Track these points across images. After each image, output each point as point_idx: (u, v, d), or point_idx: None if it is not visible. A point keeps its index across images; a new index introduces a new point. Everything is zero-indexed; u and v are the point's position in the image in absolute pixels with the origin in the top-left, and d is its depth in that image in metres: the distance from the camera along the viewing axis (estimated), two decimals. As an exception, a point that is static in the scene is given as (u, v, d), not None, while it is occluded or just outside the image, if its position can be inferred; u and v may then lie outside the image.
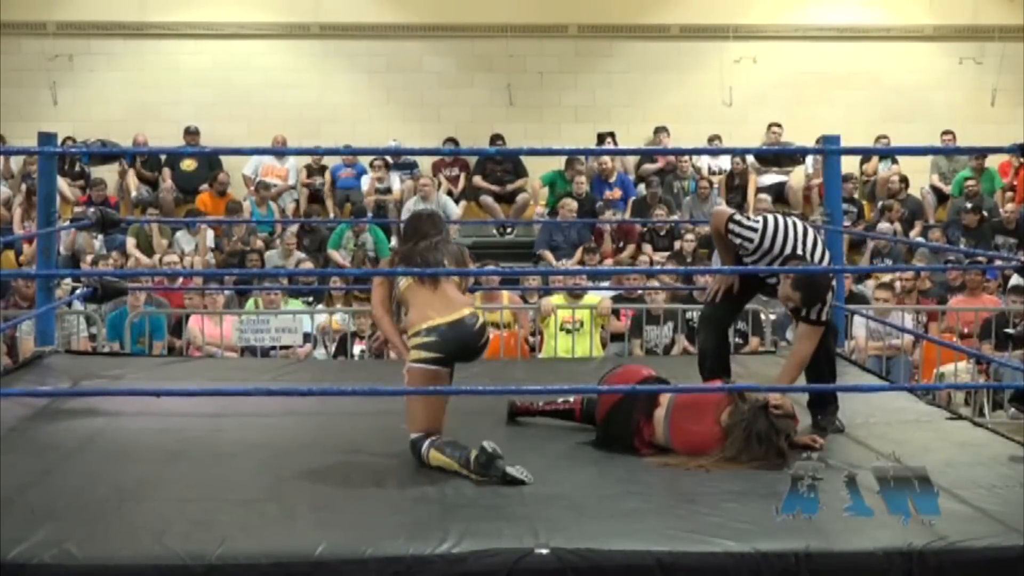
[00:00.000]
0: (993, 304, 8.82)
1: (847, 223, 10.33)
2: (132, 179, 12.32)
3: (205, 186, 12.19)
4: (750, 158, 12.13)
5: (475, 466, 3.97)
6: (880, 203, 11.94)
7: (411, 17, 13.01)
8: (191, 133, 12.47)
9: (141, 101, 12.75)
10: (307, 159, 12.59)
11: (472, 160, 12.67)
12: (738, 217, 4.83)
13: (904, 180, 12.17)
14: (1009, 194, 11.97)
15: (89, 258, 10.02)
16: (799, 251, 4.65)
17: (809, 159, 12.32)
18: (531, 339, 8.41)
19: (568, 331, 8.14)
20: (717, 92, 12.97)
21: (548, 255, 11.01)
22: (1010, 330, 8.03)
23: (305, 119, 12.67)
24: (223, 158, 12.39)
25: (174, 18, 12.82)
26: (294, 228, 10.94)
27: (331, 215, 12.04)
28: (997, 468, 4.24)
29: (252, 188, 12.01)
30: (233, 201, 11.69)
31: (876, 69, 13.16)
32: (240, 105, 12.77)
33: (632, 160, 12.82)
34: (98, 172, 11.88)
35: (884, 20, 13.28)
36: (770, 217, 4.81)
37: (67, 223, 8.69)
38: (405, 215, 10.56)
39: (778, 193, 12.19)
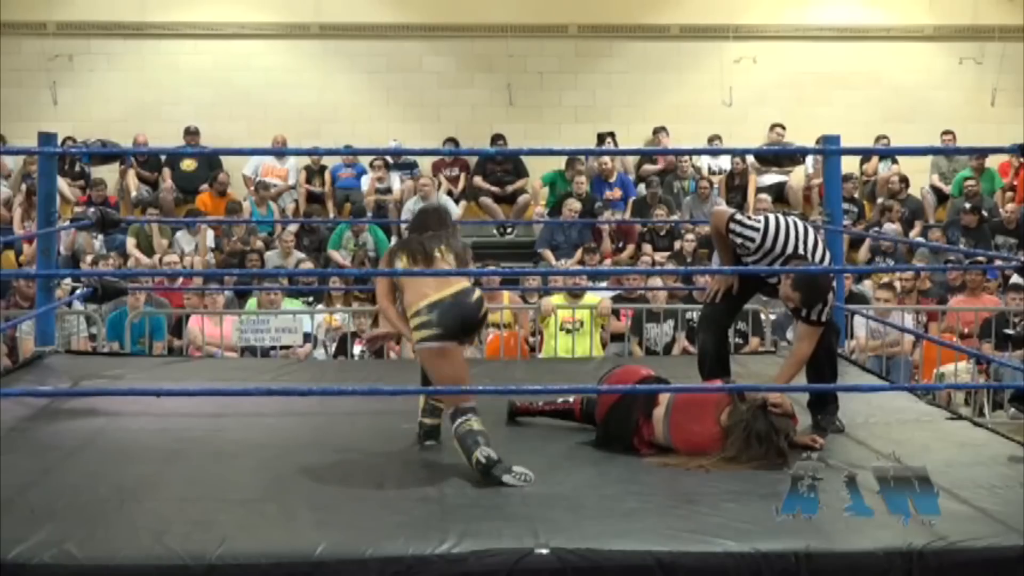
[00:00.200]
0: (993, 304, 8.82)
1: (847, 223, 10.33)
2: (132, 179, 12.32)
3: (205, 186, 12.19)
4: (750, 158, 12.13)
5: (475, 468, 4.00)
6: (880, 203, 11.94)
7: (411, 17, 13.00)
8: (191, 133, 12.47)
9: (141, 101, 12.75)
10: (307, 159, 12.59)
11: (472, 160, 12.67)
12: (739, 217, 4.83)
13: (904, 180, 12.17)
14: (1009, 194, 11.97)
15: (89, 258, 10.01)
16: (800, 251, 4.66)
17: (809, 159, 12.32)
18: (531, 339, 8.41)
19: (568, 331, 8.15)
20: (717, 92, 12.97)
21: (548, 254, 11.01)
22: (1009, 331, 8.03)
23: (305, 119, 12.67)
24: (223, 158, 12.39)
25: (174, 18, 12.82)
26: (292, 228, 10.94)
27: (331, 215, 12.04)
28: (997, 468, 4.24)
29: (252, 188, 12.01)
30: (233, 201, 11.69)
31: (876, 69, 13.16)
32: (240, 105, 12.77)
33: (632, 160, 12.82)
34: (98, 172, 11.87)
35: (884, 20, 13.28)
36: (771, 217, 4.82)
37: (67, 223, 8.69)
38: (406, 215, 10.60)
39: (778, 193, 12.19)
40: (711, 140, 12.56)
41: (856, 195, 12.13)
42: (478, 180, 12.40)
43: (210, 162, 12.36)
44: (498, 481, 3.95)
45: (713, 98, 12.96)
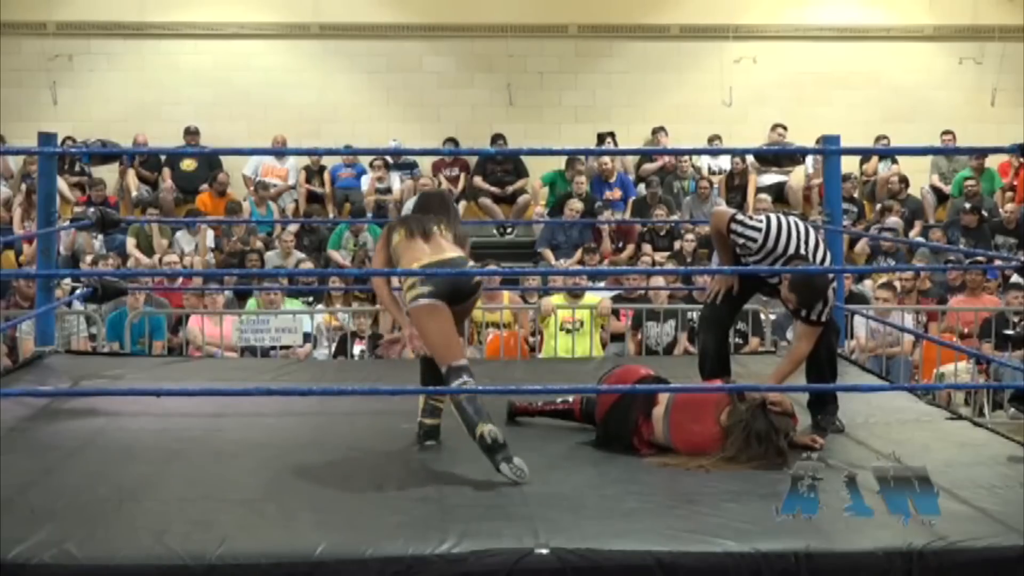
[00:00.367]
0: (993, 304, 8.81)
1: (847, 223, 10.33)
2: (132, 179, 12.32)
3: (205, 186, 12.19)
4: (750, 158, 12.13)
5: (477, 441, 4.02)
6: (880, 203, 11.94)
7: (411, 17, 13.00)
8: (191, 133, 12.47)
9: (141, 101, 12.75)
10: (307, 159, 12.59)
11: (472, 160, 12.67)
12: (740, 217, 4.82)
13: (904, 180, 12.17)
14: (1009, 194, 11.97)
15: (89, 258, 10.01)
16: (802, 251, 4.65)
17: (809, 159, 12.32)
18: (531, 339, 8.41)
19: (568, 331, 8.14)
20: (717, 92, 12.97)
21: (548, 254, 11.01)
22: (1009, 331, 8.03)
23: (305, 119, 12.67)
24: (223, 158, 12.39)
25: (174, 18, 12.82)
26: (292, 228, 10.94)
27: (331, 215, 12.04)
28: (997, 468, 4.24)
29: (252, 188, 12.01)
30: (233, 201, 11.69)
31: (876, 69, 13.16)
32: (240, 105, 12.77)
33: (632, 160, 12.82)
34: (98, 172, 11.87)
35: (884, 20, 13.28)
36: (772, 217, 4.82)
37: (67, 223, 8.69)
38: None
39: (778, 193, 12.19)
40: (711, 140, 12.56)
41: (855, 195, 12.13)
42: (478, 180, 12.40)
43: (210, 162, 12.36)
44: (494, 465, 3.96)
45: (713, 98, 12.96)
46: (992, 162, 12.28)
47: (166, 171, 12.47)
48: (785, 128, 12.42)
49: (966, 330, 8.50)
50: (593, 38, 13.21)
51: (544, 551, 3.27)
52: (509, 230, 12.19)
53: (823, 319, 4.66)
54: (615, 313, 8.54)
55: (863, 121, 12.53)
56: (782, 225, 4.70)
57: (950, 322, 8.75)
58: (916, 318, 8.79)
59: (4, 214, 11.46)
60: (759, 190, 12.14)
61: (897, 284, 9.20)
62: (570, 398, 4.85)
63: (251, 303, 8.82)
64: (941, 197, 12.39)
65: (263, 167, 12.35)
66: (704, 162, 12.68)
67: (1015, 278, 8.99)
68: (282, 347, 8.12)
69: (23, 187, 11.51)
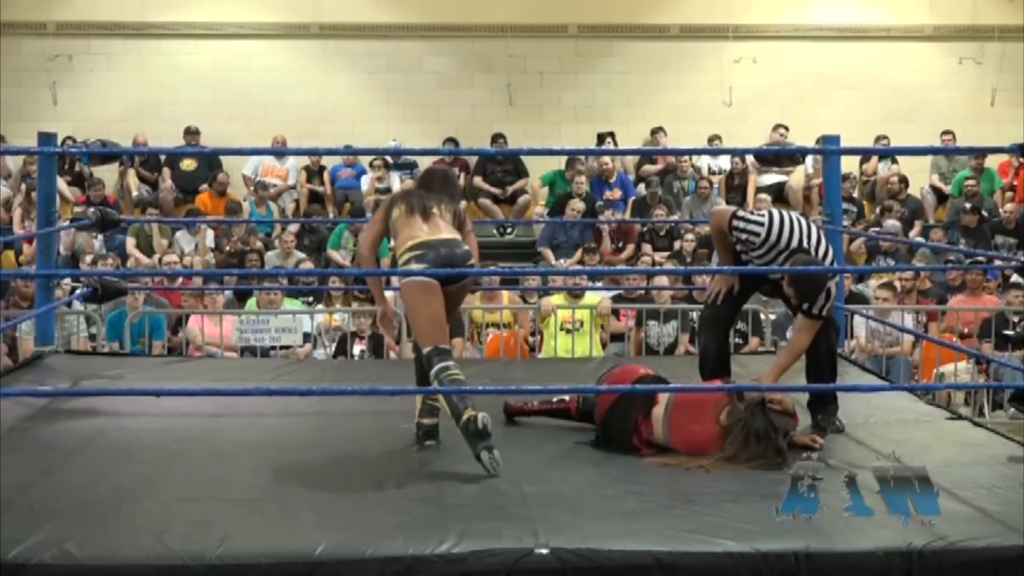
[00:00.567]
0: (993, 304, 8.82)
1: (847, 223, 10.33)
2: (132, 179, 12.32)
3: (205, 186, 12.19)
4: (750, 158, 12.13)
5: (461, 428, 4.06)
6: (880, 203, 11.94)
7: (411, 17, 13.01)
8: (191, 133, 12.47)
9: (141, 101, 12.75)
10: (307, 159, 12.59)
11: (472, 160, 12.67)
12: (742, 213, 4.84)
13: (904, 180, 12.17)
14: (1009, 194, 11.98)
15: (89, 258, 10.01)
16: (804, 244, 4.66)
17: (809, 159, 12.33)
18: (531, 339, 8.41)
19: (568, 331, 8.14)
20: (717, 92, 12.96)
21: (548, 254, 11.01)
22: (1009, 331, 8.03)
23: (305, 119, 12.67)
24: (223, 158, 12.39)
25: (174, 18, 12.82)
26: (292, 228, 10.94)
27: (331, 215, 12.04)
28: (997, 468, 4.24)
29: (252, 188, 12.01)
30: (233, 201, 11.69)
31: (876, 69, 13.16)
32: (240, 105, 12.77)
33: (632, 160, 12.82)
34: (98, 172, 11.87)
35: (884, 20, 13.28)
36: (774, 211, 4.84)
37: (67, 223, 8.70)
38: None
39: (778, 193, 12.19)
40: (711, 140, 12.56)
41: (855, 195, 12.13)
42: (478, 180, 12.40)
43: (210, 162, 12.36)
44: (475, 452, 4.01)
45: (713, 98, 12.96)
46: (992, 162, 12.28)
47: (166, 171, 12.47)
48: (787, 128, 12.42)
49: (966, 330, 8.50)
50: (593, 38, 13.21)
51: (544, 551, 3.27)
52: (509, 230, 12.19)
53: (824, 313, 4.67)
54: (615, 313, 8.54)
55: (863, 121, 12.53)
56: (784, 219, 4.71)
57: (950, 322, 8.76)
58: (916, 318, 8.79)
59: (4, 214, 11.46)
60: (759, 190, 12.14)
61: (897, 284, 9.21)
62: (566, 397, 4.85)
63: (251, 303, 8.82)
64: (941, 197, 12.39)
65: (263, 167, 12.35)
66: (704, 162, 12.68)
67: (1015, 278, 9.00)
68: (282, 347, 8.12)
69: (23, 187, 11.51)
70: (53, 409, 5.07)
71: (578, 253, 10.76)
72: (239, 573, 3.21)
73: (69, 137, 11.07)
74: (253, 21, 12.94)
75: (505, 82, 13.05)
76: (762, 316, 8.02)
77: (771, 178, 12.31)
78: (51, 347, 6.34)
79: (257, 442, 4.58)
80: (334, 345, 8.38)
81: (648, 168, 12.56)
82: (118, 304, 8.13)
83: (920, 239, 11.01)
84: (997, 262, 9.43)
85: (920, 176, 12.53)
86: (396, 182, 12.20)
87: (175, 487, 3.96)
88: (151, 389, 5.07)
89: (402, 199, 4.52)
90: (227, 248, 10.61)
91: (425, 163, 12.54)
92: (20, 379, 5.72)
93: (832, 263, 4.81)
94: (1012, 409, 7.57)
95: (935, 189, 12.44)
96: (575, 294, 8.49)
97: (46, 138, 6.18)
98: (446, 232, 4.39)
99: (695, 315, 7.74)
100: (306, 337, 8.32)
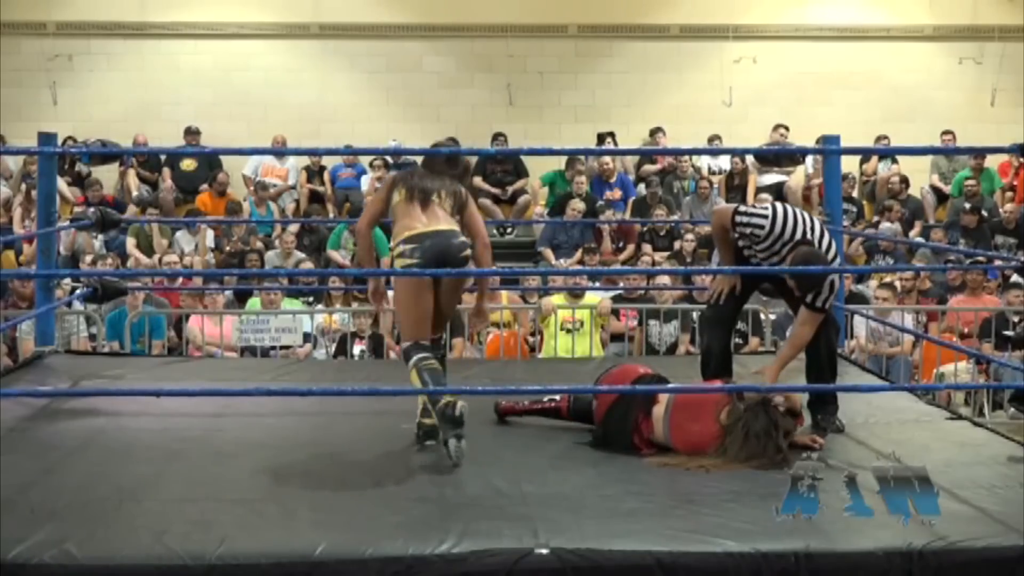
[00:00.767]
0: (993, 304, 8.82)
1: (847, 223, 10.33)
2: (132, 179, 12.32)
3: (205, 186, 12.19)
4: (750, 158, 12.13)
5: (437, 412, 4.12)
6: (880, 203, 11.94)
7: (411, 17, 13.01)
8: (191, 133, 12.47)
9: (141, 101, 12.75)
10: (307, 159, 12.59)
11: (472, 160, 12.64)
12: (744, 208, 4.85)
13: (904, 180, 12.17)
14: (1009, 194, 11.98)
15: (89, 258, 10.01)
16: (808, 236, 4.67)
17: (809, 159, 12.32)
18: (531, 339, 8.41)
19: (568, 331, 8.14)
20: (717, 92, 12.97)
21: (548, 253, 11.01)
22: (1009, 331, 8.03)
23: (305, 119, 12.67)
24: (223, 158, 12.38)
25: (174, 18, 12.82)
26: (292, 228, 10.94)
27: (331, 215, 12.03)
28: (997, 468, 4.24)
29: (252, 188, 12.01)
30: (233, 201, 11.69)
31: (876, 69, 13.16)
32: (240, 105, 12.77)
33: (632, 160, 12.82)
34: (98, 172, 11.88)
35: (884, 20, 13.29)
36: (778, 204, 4.85)
37: (67, 223, 8.69)
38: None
39: (778, 193, 12.16)
40: (711, 140, 12.56)
41: (854, 194, 12.13)
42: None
43: (210, 162, 12.36)
44: (444, 436, 4.09)
45: (713, 98, 12.96)
46: (992, 162, 12.28)
47: (166, 171, 12.47)
48: (787, 128, 12.41)
49: (966, 330, 8.51)
50: (593, 38, 13.21)
51: (544, 551, 3.27)
52: (509, 230, 12.19)
53: (826, 306, 4.67)
54: (615, 313, 8.54)
55: (863, 121, 12.53)
56: (788, 211, 4.73)
57: (950, 322, 8.76)
58: (916, 318, 8.79)
59: (4, 214, 11.46)
60: (759, 190, 12.13)
61: (897, 284, 9.21)
62: (556, 397, 4.85)
63: (253, 303, 8.81)
64: (941, 197, 12.39)
65: (263, 167, 12.34)
66: (704, 162, 12.68)
67: (1015, 278, 9.00)
68: (282, 347, 8.12)
69: (23, 187, 11.51)
70: (53, 409, 5.07)
71: (578, 253, 10.76)
72: (239, 573, 3.22)
73: (69, 137, 11.06)
74: (253, 21, 12.94)
75: (505, 82, 13.05)
76: (762, 316, 8.02)
77: (771, 178, 12.30)
78: (51, 347, 6.34)
79: (257, 442, 4.58)
80: (334, 345, 8.38)
81: (648, 168, 12.56)
82: (118, 304, 8.13)
83: (920, 239, 11.01)
84: (997, 262, 9.43)
85: (920, 176, 12.53)
86: (396, 182, 12.18)
87: (175, 487, 3.96)
88: (151, 389, 5.07)
89: (404, 183, 4.50)
90: (227, 248, 10.61)
91: (425, 163, 12.58)
92: (20, 379, 5.72)
93: (835, 256, 4.81)
94: (1012, 409, 7.57)
95: (935, 189, 12.44)
96: (575, 294, 8.48)
97: (46, 138, 6.18)
98: (444, 222, 4.39)
99: (696, 315, 7.75)
100: (306, 337, 8.32)
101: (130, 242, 10.83)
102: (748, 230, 4.74)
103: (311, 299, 9.41)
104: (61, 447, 4.47)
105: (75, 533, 3.37)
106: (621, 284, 9.03)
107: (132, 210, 11.49)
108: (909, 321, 8.48)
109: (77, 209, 11.21)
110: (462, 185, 4.61)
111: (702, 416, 4.33)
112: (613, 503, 3.76)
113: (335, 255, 10.76)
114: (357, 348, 8.13)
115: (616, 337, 8.51)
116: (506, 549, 3.28)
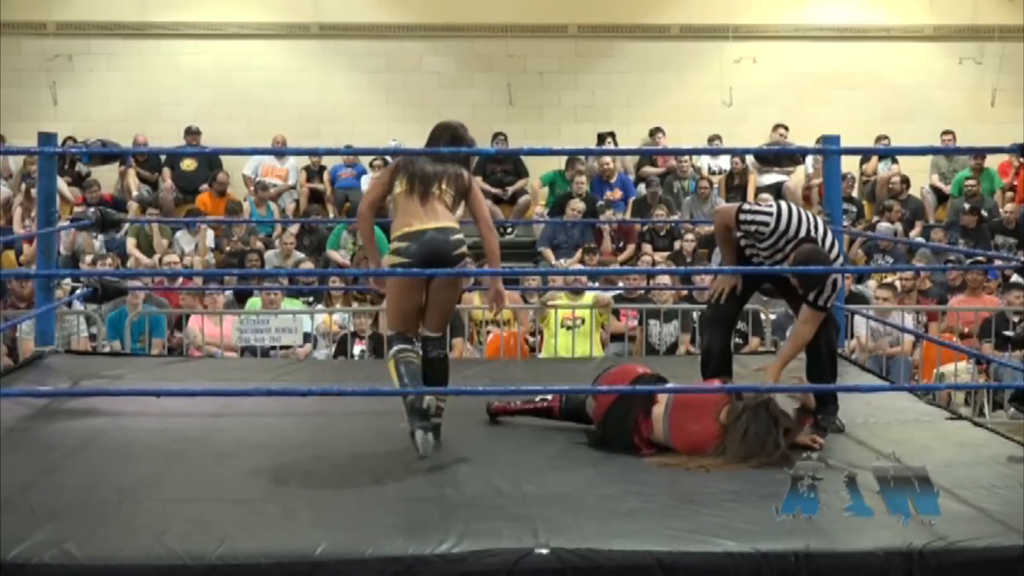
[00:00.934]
0: (993, 304, 8.82)
1: (847, 223, 10.33)
2: (132, 179, 12.31)
3: (205, 186, 12.19)
4: (750, 158, 12.12)
5: (406, 406, 4.19)
6: (880, 203, 11.94)
7: (411, 17, 13.01)
8: (191, 133, 12.47)
9: (141, 101, 12.75)
10: (307, 159, 12.59)
11: (472, 160, 12.63)
12: (747, 206, 4.86)
13: (904, 180, 12.17)
14: (1009, 194, 11.98)
15: (89, 258, 10.01)
16: (812, 234, 4.67)
17: (809, 159, 12.32)
18: (531, 339, 8.40)
19: (569, 328, 8.13)
20: (717, 92, 12.96)
21: (548, 254, 11.01)
22: (1009, 331, 8.03)
23: (305, 119, 12.67)
24: (223, 158, 12.39)
25: (174, 18, 12.82)
26: (292, 228, 10.94)
27: (331, 215, 12.03)
28: (997, 468, 4.24)
29: (252, 188, 12.01)
30: (233, 201, 11.69)
31: (876, 69, 13.16)
32: (240, 105, 12.77)
33: (632, 160, 12.82)
34: (98, 172, 11.88)
35: (884, 20, 13.29)
36: (782, 203, 4.86)
37: (67, 223, 8.69)
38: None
39: (778, 193, 12.15)
40: (711, 140, 12.55)
41: (854, 194, 12.13)
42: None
43: (210, 162, 12.36)
44: (412, 427, 4.13)
45: (713, 98, 12.96)
46: (992, 162, 12.28)
47: (166, 171, 12.47)
48: (787, 128, 12.41)
49: (966, 330, 8.51)
50: (593, 38, 13.21)
51: (544, 551, 3.27)
52: (509, 230, 12.18)
53: (828, 304, 4.67)
54: (615, 313, 8.53)
55: (863, 121, 12.53)
56: (792, 209, 4.75)
57: (950, 322, 8.76)
58: (916, 318, 8.79)
59: (4, 214, 11.46)
60: (759, 190, 12.13)
61: (897, 284, 9.21)
62: (548, 397, 4.85)
63: (254, 303, 8.81)
64: (941, 197, 12.39)
65: (263, 167, 12.34)
66: (704, 162, 12.68)
67: (1015, 278, 9.00)
68: (282, 347, 8.12)
69: (23, 187, 11.51)
70: (53, 409, 5.07)
71: (578, 253, 10.76)
72: (239, 573, 3.22)
73: (69, 137, 11.06)
74: (253, 21, 12.94)
75: (505, 82, 13.05)
76: (762, 316, 8.02)
77: (771, 178, 12.30)
78: (51, 347, 6.34)
79: (257, 442, 4.58)
80: (334, 345, 8.39)
81: (648, 168, 12.55)
82: (118, 304, 8.13)
83: (920, 239, 11.01)
84: (997, 262, 9.43)
85: (920, 176, 12.53)
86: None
87: (175, 487, 3.96)
88: (151, 389, 5.08)
89: (405, 172, 4.50)
90: (227, 248, 10.61)
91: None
92: (20, 379, 5.72)
93: (837, 255, 4.81)
94: (1012, 409, 7.57)
95: (935, 189, 12.44)
96: (576, 292, 8.47)
97: (46, 138, 6.18)
98: (441, 218, 4.41)
99: (696, 315, 7.75)
100: (306, 337, 8.32)
101: (130, 242, 10.84)
102: (753, 227, 4.74)
103: (311, 299, 9.41)
104: (61, 447, 4.47)
105: (75, 533, 3.37)
106: (621, 284, 9.03)
107: (133, 208, 11.51)
108: (909, 321, 8.48)
109: (77, 209, 11.21)
110: (466, 169, 4.62)
111: (702, 416, 4.33)
112: (613, 503, 3.76)
113: (335, 255, 10.76)
114: (357, 348, 8.13)
115: (616, 337, 8.50)
116: (506, 549, 3.28)
